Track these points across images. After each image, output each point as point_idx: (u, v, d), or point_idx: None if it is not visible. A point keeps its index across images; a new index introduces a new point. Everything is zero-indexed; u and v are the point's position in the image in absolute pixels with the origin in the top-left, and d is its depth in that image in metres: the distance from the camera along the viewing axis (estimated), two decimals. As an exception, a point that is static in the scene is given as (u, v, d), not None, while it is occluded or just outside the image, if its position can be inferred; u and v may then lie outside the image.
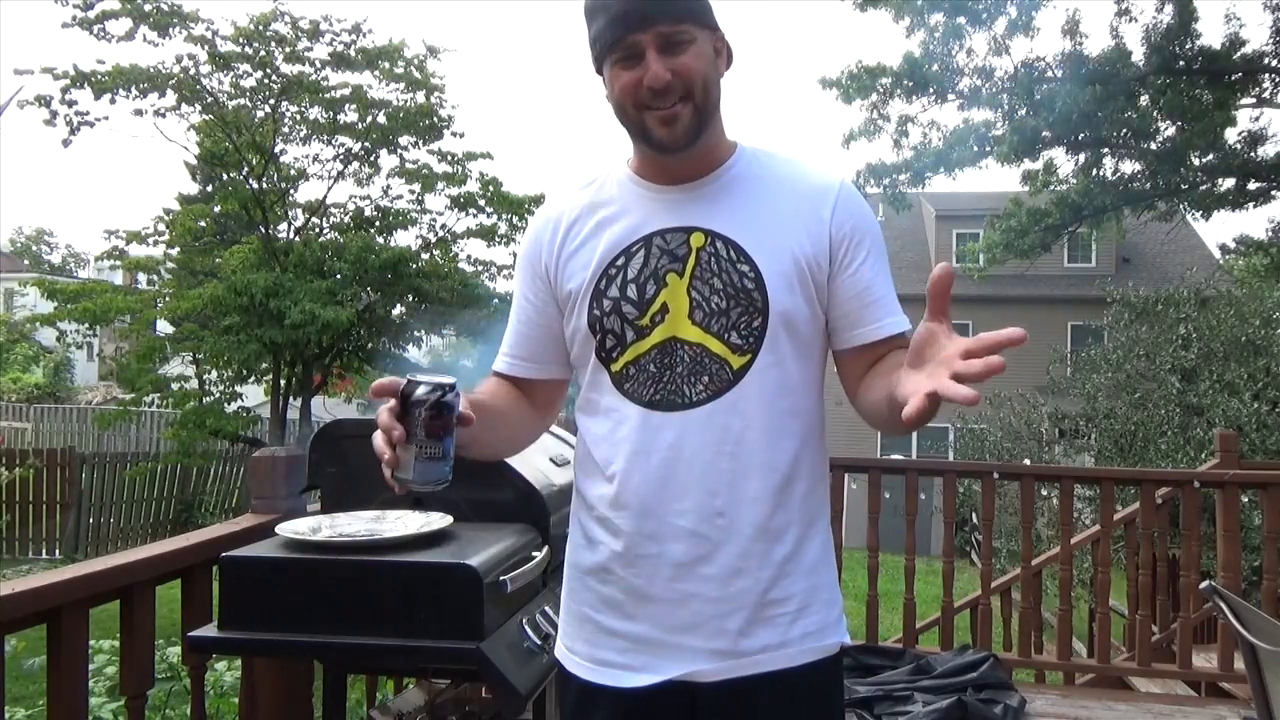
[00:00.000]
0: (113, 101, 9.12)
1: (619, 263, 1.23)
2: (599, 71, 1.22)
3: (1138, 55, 11.72)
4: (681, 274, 1.20)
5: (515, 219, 11.01)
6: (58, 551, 10.41)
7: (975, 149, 12.15)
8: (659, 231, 1.23)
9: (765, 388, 1.19)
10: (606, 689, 1.23)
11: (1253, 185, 12.28)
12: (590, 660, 1.26)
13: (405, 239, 11.10)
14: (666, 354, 1.20)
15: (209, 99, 9.67)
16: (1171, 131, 11.86)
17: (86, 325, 10.40)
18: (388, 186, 10.97)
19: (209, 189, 11.87)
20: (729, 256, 1.20)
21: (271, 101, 9.95)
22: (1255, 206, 12.56)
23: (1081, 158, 12.61)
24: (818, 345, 1.25)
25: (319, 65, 9.85)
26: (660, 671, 1.21)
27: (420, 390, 1.03)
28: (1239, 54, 11.65)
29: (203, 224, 11.38)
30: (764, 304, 1.18)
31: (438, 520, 1.65)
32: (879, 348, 1.22)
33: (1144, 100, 11.68)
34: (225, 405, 10.06)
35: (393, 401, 1.04)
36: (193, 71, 9.37)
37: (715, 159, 1.25)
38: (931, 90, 12.30)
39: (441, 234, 11.19)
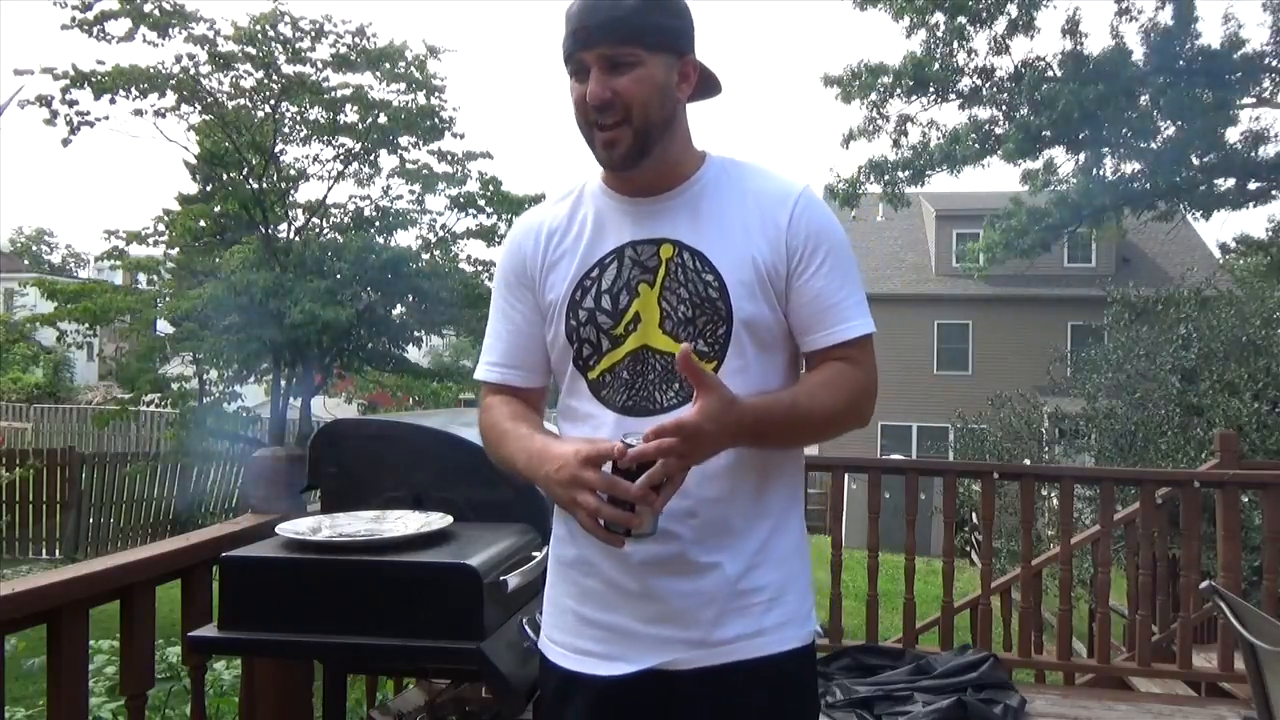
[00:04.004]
0: (113, 101, 9.11)
1: (593, 274, 1.28)
2: None
3: (1138, 55, 11.72)
4: (653, 284, 1.26)
5: (515, 219, 10.99)
6: (58, 551, 10.40)
7: (978, 146, 12.15)
8: (630, 243, 1.28)
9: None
10: (585, 677, 1.28)
11: (1253, 185, 12.27)
12: (570, 649, 1.31)
13: (405, 239, 11.11)
14: (639, 362, 1.26)
15: (209, 99, 9.66)
16: (1171, 131, 11.85)
17: (86, 325, 10.39)
18: (388, 186, 10.97)
19: (209, 189, 11.85)
20: (694, 267, 1.25)
21: (271, 102, 9.95)
22: (1255, 206, 12.56)
23: (1081, 157, 12.59)
24: (784, 348, 1.30)
25: (320, 66, 9.86)
26: (636, 661, 1.25)
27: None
28: (1239, 54, 11.65)
29: (203, 224, 11.36)
30: (727, 312, 1.24)
31: (438, 520, 1.65)
32: (833, 352, 1.27)
33: (1144, 100, 11.67)
34: (225, 405, 10.06)
35: (606, 468, 1.11)
36: (193, 71, 9.37)
37: (682, 172, 1.29)
38: (932, 89, 12.30)
39: (441, 234, 11.18)
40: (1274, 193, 12.46)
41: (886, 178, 12.63)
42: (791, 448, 1.32)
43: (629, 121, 1.20)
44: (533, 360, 1.36)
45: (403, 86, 10.10)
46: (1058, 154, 12.80)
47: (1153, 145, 11.91)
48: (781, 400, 1.23)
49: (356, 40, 9.79)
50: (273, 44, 9.50)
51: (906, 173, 12.56)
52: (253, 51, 9.39)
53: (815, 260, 1.26)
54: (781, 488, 1.31)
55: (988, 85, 12.20)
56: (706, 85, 1.31)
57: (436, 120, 10.31)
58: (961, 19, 11.68)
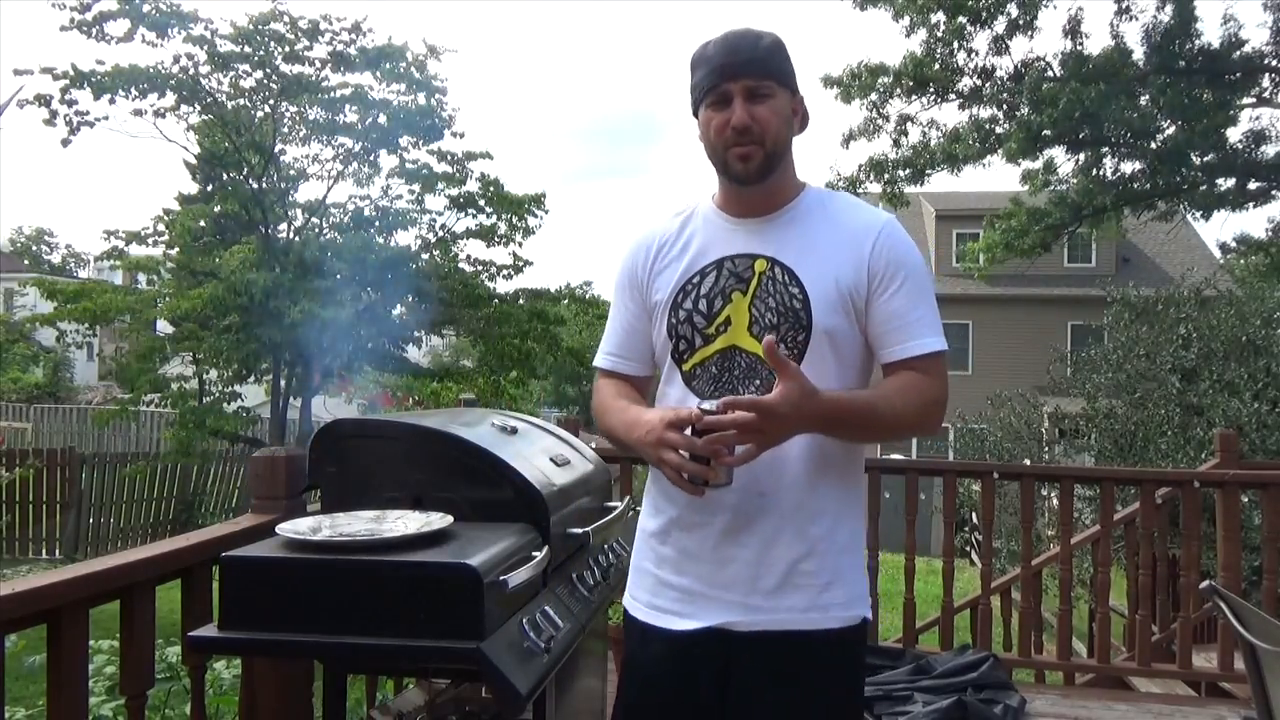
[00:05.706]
0: (112, 101, 9.08)
1: (694, 280, 1.50)
2: (695, 114, 1.49)
3: (1138, 54, 11.72)
4: (745, 293, 1.47)
5: (515, 219, 11.00)
6: (58, 551, 10.39)
7: (978, 146, 12.15)
8: (730, 256, 1.49)
9: None
10: (660, 630, 1.51)
11: (1253, 185, 12.27)
12: (649, 606, 1.54)
13: (405, 239, 11.10)
14: (727, 359, 1.47)
15: (209, 99, 9.65)
16: (1172, 131, 11.85)
17: (86, 325, 10.38)
18: (388, 186, 10.94)
19: (209, 189, 11.84)
20: (783, 280, 1.45)
21: (271, 101, 9.93)
22: (1255, 206, 12.56)
23: (1081, 157, 12.60)
24: (861, 358, 1.49)
25: (319, 65, 9.84)
26: (702, 619, 1.47)
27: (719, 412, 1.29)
28: (1239, 54, 11.65)
29: (203, 224, 11.34)
30: (809, 321, 1.43)
31: (438, 520, 1.65)
32: (906, 364, 1.45)
33: (1144, 100, 11.67)
34: (225, 405, 10.05)
35: (685, 431, 1.31)
36: (192, 72, 9.36)
37: (783, 197, 1.50)
38: (932, 89, 12.31)
39: (441, 234, 11.17)
40: (1274, 193, 12.47)
41: (886, 177, 12.65)
42: (861, 442, 1.51)
43: (762, 144, 1.42)
44: (638, 352, 1.60)
45: (402, 86, 10.09)
46: (1058, 154, 12.83)
47: (1153, 145, 11.91)
48: (858, 397, 1.43)
49: (353, 37, 9.77)
50: (270, 43, 9.48)
51: (907, 172, 12.57)
52: (250, 51, 9.38)
53: (893, 284, 1.44)
54: (843, 483, 1.49)
55: (988, 85, 12.20)
56: (804, 122, 1.52)
57: (436, 120, 10.30)
58: (961, 19, 11.69)
